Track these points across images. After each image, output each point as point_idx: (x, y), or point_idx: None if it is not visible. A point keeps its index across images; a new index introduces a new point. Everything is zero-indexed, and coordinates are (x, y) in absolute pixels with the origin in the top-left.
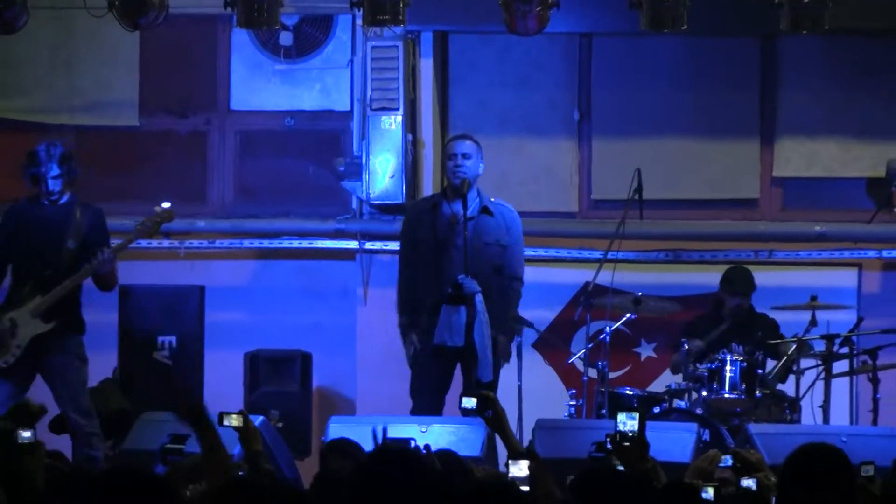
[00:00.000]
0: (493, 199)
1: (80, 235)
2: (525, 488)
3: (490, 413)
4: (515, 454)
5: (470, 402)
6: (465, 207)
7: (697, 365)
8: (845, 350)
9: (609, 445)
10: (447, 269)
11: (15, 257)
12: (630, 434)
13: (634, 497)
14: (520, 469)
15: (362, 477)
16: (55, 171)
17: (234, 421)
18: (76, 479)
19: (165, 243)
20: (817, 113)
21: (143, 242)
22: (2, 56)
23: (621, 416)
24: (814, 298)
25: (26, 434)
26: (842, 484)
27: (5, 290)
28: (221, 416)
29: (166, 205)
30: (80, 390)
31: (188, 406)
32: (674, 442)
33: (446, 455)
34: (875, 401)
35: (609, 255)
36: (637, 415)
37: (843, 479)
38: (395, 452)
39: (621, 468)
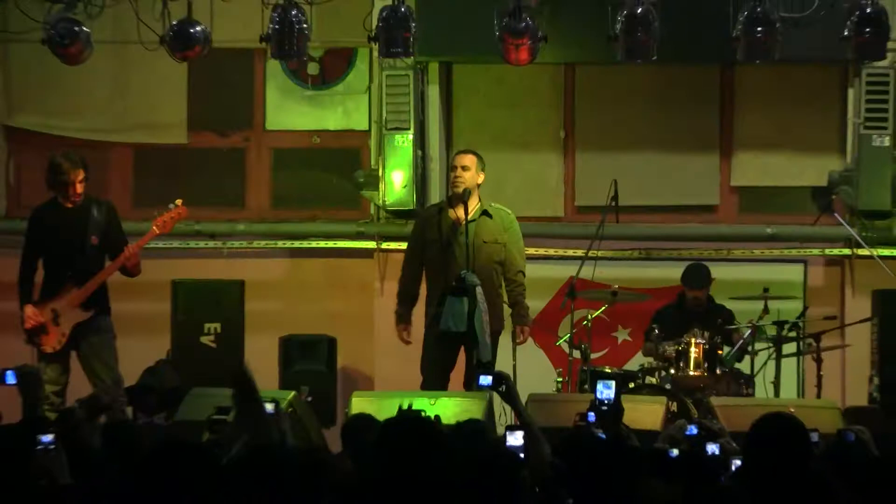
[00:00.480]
0: (492, 204)
1: (100, 231)
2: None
3: (504, 388)
4: (524, 421)
5: (486, 380)
6: (465, 212)
7: (666, 347)
8: (793, 334)
9: (591, 411)
10: (452, 265)
11: (45, 256)
12: (607, 401)
13: (611, 457)
14: (516, 438)
15: (384, 439)
16: (80, 176)
17: None
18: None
19: (210, 244)
20: (768, 131)
21: (192, 244)
22: (67, 83)
23: (600, 385)
24: (766, 290)
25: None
26: (799, 447)
27: (39, 285)
28: None
29: (178, 201)
30: (115, 362)
31: (233, 371)
32: (646, 413)
33: (474, 423)
34: (819, 377)
35: (590, 254)
36: (613, 383)
37: (800, 442)
38: (411, 419)
39: (602, 435)
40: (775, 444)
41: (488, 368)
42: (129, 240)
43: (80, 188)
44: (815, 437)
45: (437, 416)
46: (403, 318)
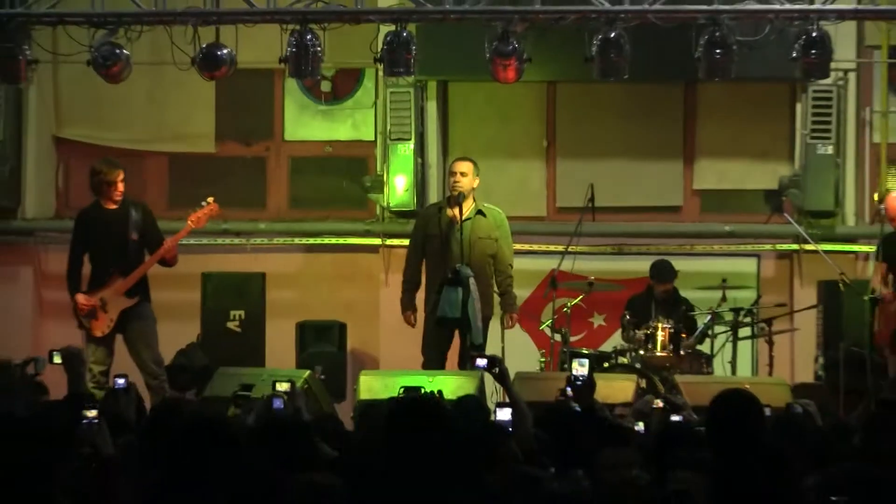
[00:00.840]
0: (485, 205)
1: (139, 228)
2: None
3: (497, 371)
4: (514, 399)
5: (482, 363)
6: (461, 212)
7: (636, 331)
8: (748, 320)
9: (567, 386)
10: (449, 259)
11: (91, 252)
12: (581, 377)
13: (585, 427)
14: (504, 414)
15: (394, 415)
16: (120, 176)
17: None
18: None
19: (235, 241)
20: (726, 140)
21: (220, 241)
22: (109, 99)
23: (574, 363)
24: (724, 281)
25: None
26: (753, 418)
27: (86, 278)
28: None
29: (210, 199)
30: (156, 345)
31: None
32: (619, 389)
33: (470, 398)
34: (770, 358)
35: (569, 249)
36: (587, 361)
37: (754, 414)
38: (417, 399)
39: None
40: (733, 415)
41: (481, 350)
42: (164, 235)
43: (121, 187)
44: (767, 410)
45: (440, 391)
46: (409, 305)
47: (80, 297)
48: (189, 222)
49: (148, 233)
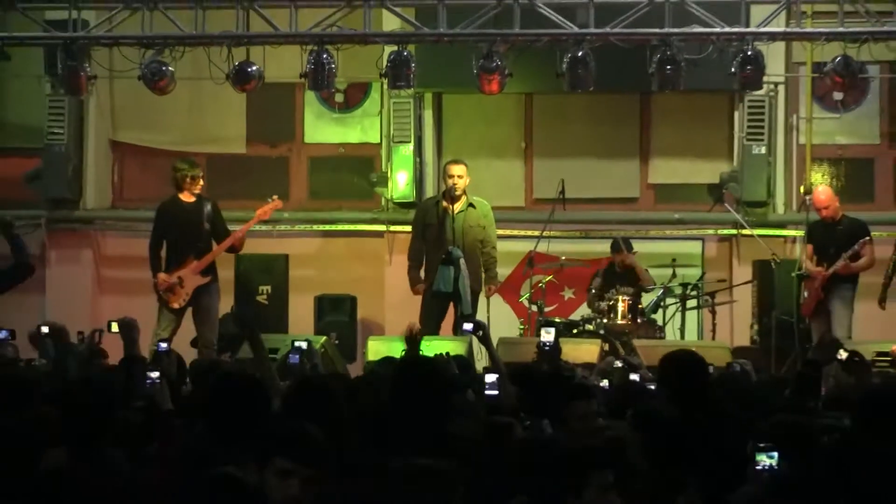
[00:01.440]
0: (475, 198)
1: (210, 220)
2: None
3: (481, 333)
4: (495, 359)
5: (468, 326)
6: (454, 207)
7: (600, 302)
8: (694, 293)
9: (537, 350)
10: (444, 243)
11: (169, 238)
12: (548, 343)
13: (551, 383)
14: (491, 377)
15: (400, 371)
16: (196, 176)
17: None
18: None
19: (263, 228)
20: (676, 142)
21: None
22: (155, 107)
23: (542, 331)
24: (674, 260)
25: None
26: (699, 374)
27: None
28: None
29: (275, 197)
30: (216, 320)
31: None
32: (586, 351)
33: (460, 358)
34: (713, 325)
35: (544, 234)
36: (553, 329)
37: (699, 371)
38: (420, 358)
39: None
40: (682, 372)
41: (469, 319)
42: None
43: (200, 182)
44: (711, 368)
45: (447, 353)
46: (417, 280)
47: (162, 276)
48: (257, 214)
49: (216, 224)
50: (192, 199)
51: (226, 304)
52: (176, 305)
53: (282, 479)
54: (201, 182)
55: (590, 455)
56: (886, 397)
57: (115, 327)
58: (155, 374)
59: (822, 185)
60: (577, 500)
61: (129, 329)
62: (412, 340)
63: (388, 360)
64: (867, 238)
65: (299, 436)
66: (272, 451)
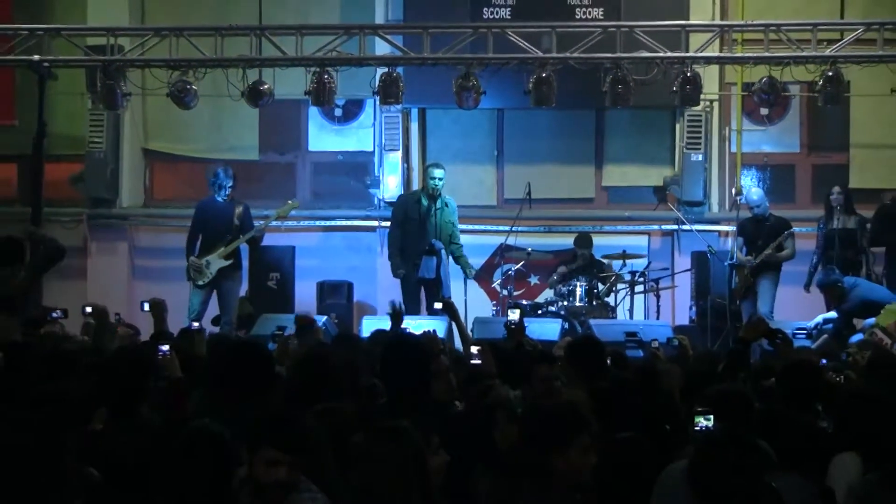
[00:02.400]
0: (447, 197)
1: (239, 218)
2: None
3: (450, 310)
4: (463, 335)
5: (439, 305)
6: (435, 204)
7: (560, 287)
8: (641, 280)
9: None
10: (425, 236)
11: (204, 231)
12: (514, 321)
13: (517, 354)
14: (475, 349)
15: (389, 348)
16: (230, 182)
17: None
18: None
19: (273, 223)
20: (626, 151)
21: (262, 223)
22: (181, 120)
23: (509, 311)
24: (624, 252)
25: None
26: (598, 357)
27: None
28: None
29: (292, 200)
30: (235, 303)
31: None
32: (548, 330)
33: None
34: (658, 307)
35: (513, 228)
36: (518, 311)
37: (599, 353)
38: (408, 335)
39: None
40: (588, 354)
41: (440, 299)
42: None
43: (229, 190)
44: (655, 344)
45: (434, 329)
46: (398, 265)
47: (192, 259)
48: (276, 215)
49: (245, 223)
50: (226, 200)
51: (241, 288)
52: (201, 283)
53: (269, 467)
54: (231, 185)
55: (574, 416)
56: (803, 369)
57: (146, 307)
58: (165, 347)
59: (754, 187)
60: (562, 457)
61: (158, 309)
62: (396, 315)
63: (379, 332)
64: (790, 231)
65: (287, 425)
66: (263, 439)
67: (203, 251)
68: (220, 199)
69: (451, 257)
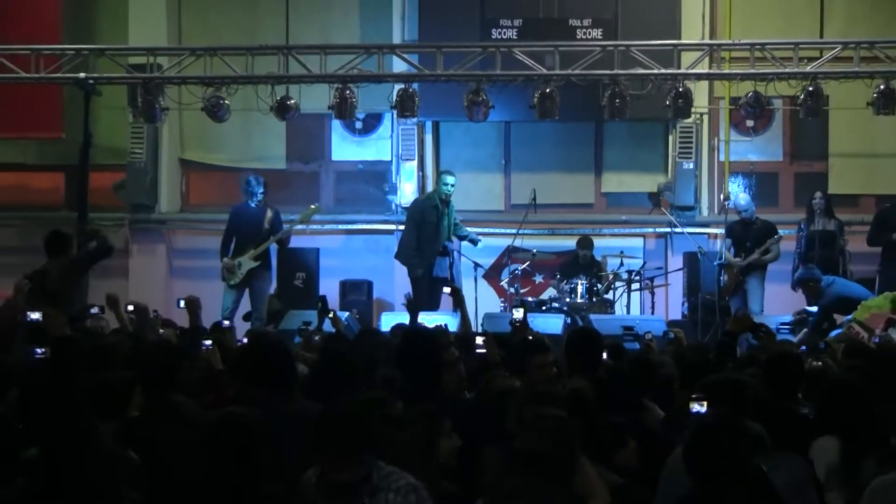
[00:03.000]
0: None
1: (270, 221)
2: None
3: (458, 297)
4: (465, 319)
5: (447, 290)
6: (446, 208)
7: (564, 286)
8: (637, 278)
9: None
10: (439, 238)
11: (237, 234)
12: (517, 319)
13: (520, 346)
14: (480, 340)
15: (404, 341)
16: (261, 189)
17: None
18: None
19: (300, 227)
20: (623, 159)
21: (290, 226)
22: (214, 132)
23: (514, 310)
24: (622, 253)
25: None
26: (597, 348)
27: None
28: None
29: (315, 205)
30: (265, 300)
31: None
32: (552, 324)
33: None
34: (652, 303)
35: (519, 231)
36: (522, 309)
37: (598, 345)
38: (422, 329)
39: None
40: (585, 345)
41: (448, 285)
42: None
43: (260, 196)
44: (649, 336)
45: (445, 324)
46: (417, 264)
47: (225, 260)
48: (300, 220)
49: (275, 226)
50: (258, 206)
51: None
52: (233, 283)
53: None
54: (262, 192)
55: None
56: (786, 360)
57: (182, 304)
58: (208, 342)
59: (742, 193)
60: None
61: (193, 306)
62: (412, 307)
63: (398, 325)
64: (777, 237)
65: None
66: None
67: (236, 253)
68: (252, 204)
69: (459, 240)
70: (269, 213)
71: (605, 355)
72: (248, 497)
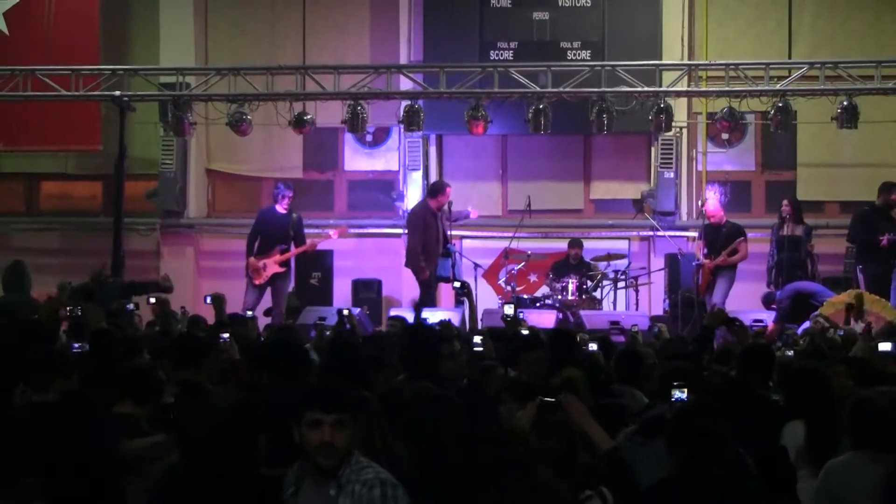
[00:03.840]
0: None
1: (294, 228)
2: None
3: (465, 290)
4: (472, 308)
5: (456, 285)
6: (450, 212)
7: (556, 284)
8: (623, 277)
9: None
10: (442, 240)
11: (262, 236)
12: (509, 315)
13: (510, 339)
14: (477, 338)
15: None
16: (290, 193)
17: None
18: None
19: (315, 231)
20: (609, 168)
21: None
22: (238, 145)
23: (505, 307)
24: (608, 254)
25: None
26: (571, 342)
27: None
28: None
29: (338, 229)
30: (285, 298)
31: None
32: (544, 320)
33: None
34: (637, 300)
35: (515, 234)
36: (513, 306)
37: (572, 339)
38: (424, 325)
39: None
40: (563, 342)
41: (458, 279)
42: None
43: (288, 202)
44: (635, 327)
45: (449, 319)
46: (425, 268)
47: (252, 259)
48: (329, 233)
49: (298, 232)
50: (284, 211)
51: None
52: (257, 282)
53: (311, 429)
54: (288, 199)
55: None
56: (758, 353)
57: (208, 300)
58: (226, 335)
59: (712, 200)
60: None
61: (218, 302)
62: (418, 308)
63: (396, 317)
64: (742, 238)
65: (325, 388)
66: (303, 406)
67: (260, 252)
68: (278, 208)
69: None
70: (294, 218)
71: (595, 347)
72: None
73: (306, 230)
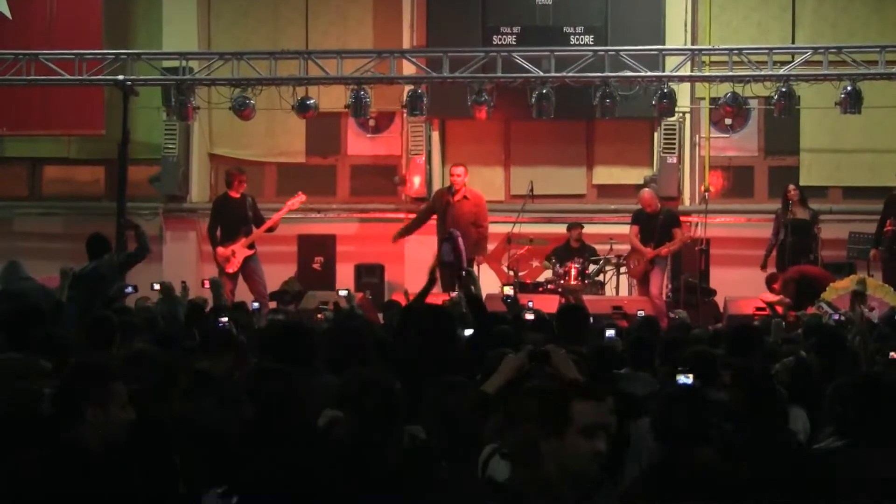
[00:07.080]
0: (472, 190)
1: (251, 209)
2: None
3: (469, 275)
4: (477, 294)
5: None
6: (454, 199)
7: (559, 268)
8: (625, 262)
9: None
10: (446, 225)
11: (222, 223)
12: (509, 296)
13: (509, 323)
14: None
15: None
16: (243, 178)
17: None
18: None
19: (318, 215)
20: (612, 154)
21: (308, 215)
22: (241, 130)
23: (505, 288)
24: (611, 239)
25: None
26: (582, 320)
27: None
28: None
29: (300, 193)
30: (263, 277)
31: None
32: (548, 303)
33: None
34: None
35: (518, 219)
36: (512, 287)
37: (583, 317)
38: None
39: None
40: (571, 319)
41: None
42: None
43: (244, 184)
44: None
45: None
46: (403, 234)
47: (220, 249)
48: (287, 205)
49: (255, 213)
50: (238, 196)
51: (290, 269)
52: (230, 270)
53: (331, 426)
54: (243, 184)
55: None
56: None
57: (206, 284)
58: (224, 319)
59: (647, 189)
60: None
61: (216, 285)
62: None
63: (390, 302)
64: (678, 225)
65: (342, 387)
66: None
67: (226, 241)
68: (233, 194)
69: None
70: (249, 201)
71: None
72: None
73: (310, 215)
